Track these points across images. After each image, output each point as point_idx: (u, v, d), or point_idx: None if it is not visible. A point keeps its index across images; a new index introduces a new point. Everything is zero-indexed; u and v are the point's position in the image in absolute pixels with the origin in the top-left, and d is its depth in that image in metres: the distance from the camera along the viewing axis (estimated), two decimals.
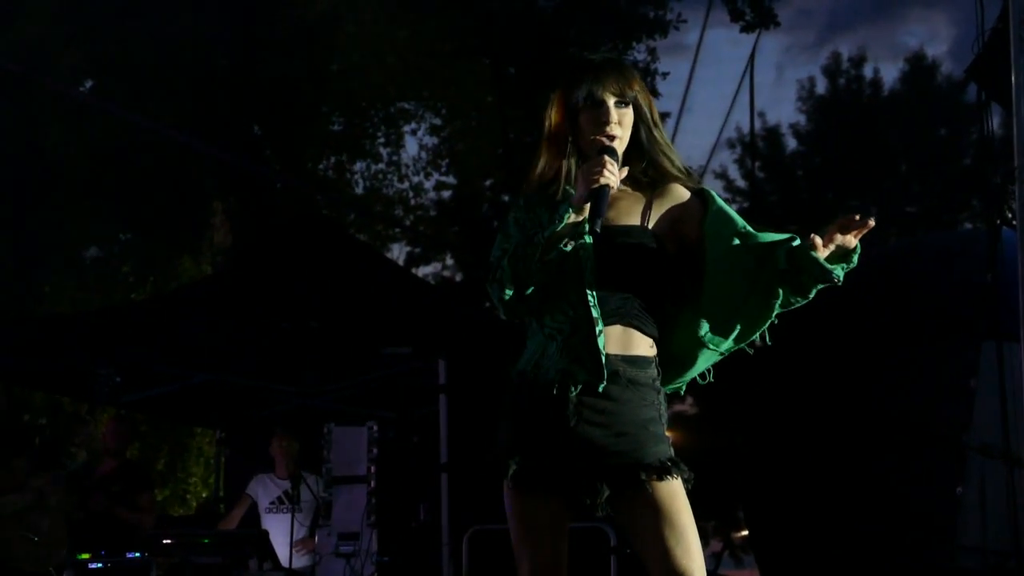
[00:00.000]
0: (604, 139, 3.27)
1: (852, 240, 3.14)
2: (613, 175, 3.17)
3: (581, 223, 3.17)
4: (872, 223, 3.11)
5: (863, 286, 11.31)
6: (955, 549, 8.76)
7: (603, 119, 3.28)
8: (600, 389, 3.18)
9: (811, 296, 3.23)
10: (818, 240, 3.11)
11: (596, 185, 3.14)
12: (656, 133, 3.34)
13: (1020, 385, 7.39)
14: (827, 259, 3.13)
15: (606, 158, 3.18)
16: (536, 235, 3.20)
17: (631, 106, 3.31)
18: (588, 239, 3.21)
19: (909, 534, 9.31)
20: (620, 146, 3.30)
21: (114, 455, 8.96)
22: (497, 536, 3.65)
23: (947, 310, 9.88)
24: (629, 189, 3.36)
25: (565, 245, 3.17)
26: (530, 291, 3.19)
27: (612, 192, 3.20)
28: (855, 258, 3.17)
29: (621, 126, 3.30)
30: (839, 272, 3.14)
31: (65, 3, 15.87)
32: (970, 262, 9.65)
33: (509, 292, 3.20)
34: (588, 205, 3.15)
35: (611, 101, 3.29)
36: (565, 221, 3.17)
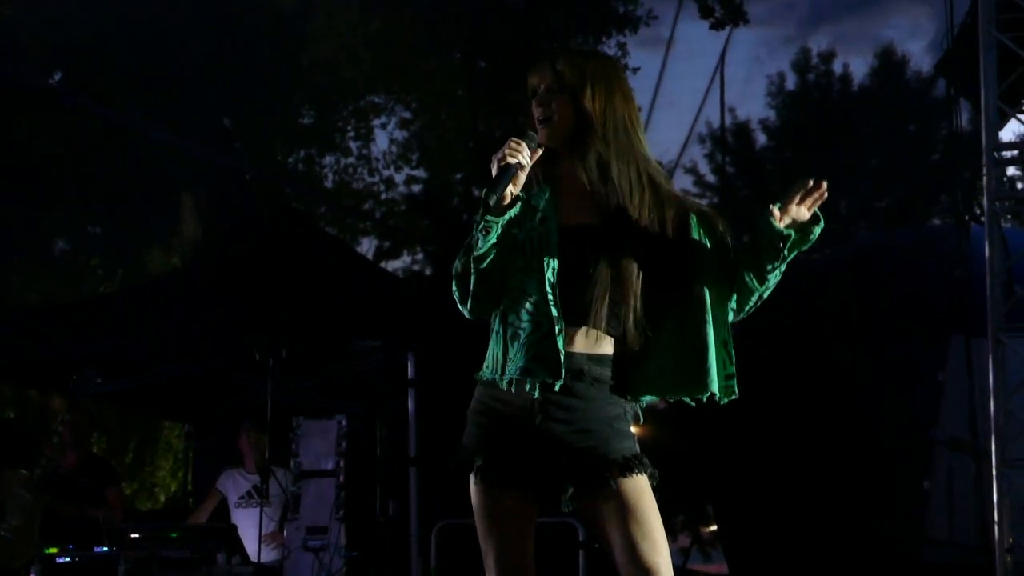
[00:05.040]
0: (533, 129, 3.28)
1: (806, 212, 3.17)
2: (518, 154, 3.14)
3: (501, 205, 3.13)
4: (825, 190, 3.16)
5: (833, 281, 11.38)
6: (922, 543, 8.81)
7: (535, 103, 3.32)
8: (556, 388, 3.17)
9: (768, 281, 3.23)
10: (776, 211, 3.15)
11: (503, 163, 3.13)
12: (601, 126, 3.26)
13: (988, 380, 7.43)
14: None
15: (512, 139, 3.17)
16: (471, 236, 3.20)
17: (566, 93, 3.29)
18: (554, 235, 3.19)
19: (876, 528, 9.35)
20: (554, 131, 3.27)
21: (75, 448, 8.67)
22: (466, 531, 3.64)
23: (916, 305, 9.92)
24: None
25: (479, 228, 3.14)
26: (475, 285, 3.20)
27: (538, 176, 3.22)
28: (817, 231, 3.20)
29: (552, 110, 3.28)
30: (793, 234, 3.15)
31: None
32: (939, 257, 9.70)
33: (457, 291, 3.24)
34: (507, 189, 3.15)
35: (541, 87, 3.31)
36: (491, 205, 3.12)
